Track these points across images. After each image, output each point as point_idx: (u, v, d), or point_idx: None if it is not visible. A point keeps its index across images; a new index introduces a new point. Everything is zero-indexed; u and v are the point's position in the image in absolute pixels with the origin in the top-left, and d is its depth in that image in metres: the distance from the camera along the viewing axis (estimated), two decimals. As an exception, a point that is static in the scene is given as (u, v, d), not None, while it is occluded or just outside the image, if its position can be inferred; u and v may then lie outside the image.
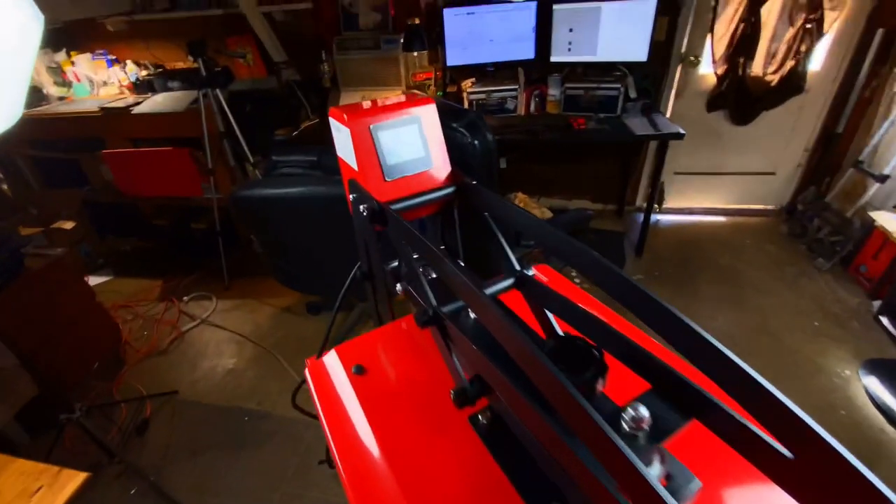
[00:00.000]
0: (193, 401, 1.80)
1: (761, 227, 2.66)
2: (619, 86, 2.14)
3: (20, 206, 2.74)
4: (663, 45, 2.27)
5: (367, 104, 0.55)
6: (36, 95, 2.65)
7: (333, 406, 0.49)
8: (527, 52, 2.22)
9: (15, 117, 0.93)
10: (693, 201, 2.79)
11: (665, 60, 2.33)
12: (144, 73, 2.63)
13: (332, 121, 0.56)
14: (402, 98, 0.57)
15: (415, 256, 0.51)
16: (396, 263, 0.68)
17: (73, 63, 2.66)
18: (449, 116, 1.28)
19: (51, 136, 2.53)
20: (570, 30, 2.15)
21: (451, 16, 2.13)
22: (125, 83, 2.65)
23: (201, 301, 2.35)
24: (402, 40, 2.17)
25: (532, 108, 2.29)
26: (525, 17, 2.15)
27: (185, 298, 2.37)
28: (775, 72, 2.31)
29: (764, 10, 2.18)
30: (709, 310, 2.07)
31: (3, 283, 1.63)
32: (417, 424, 0.48)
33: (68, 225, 2.60)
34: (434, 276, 0.56)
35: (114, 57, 2.73)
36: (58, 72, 2.70)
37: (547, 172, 2.78)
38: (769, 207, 2.76)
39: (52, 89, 2.72)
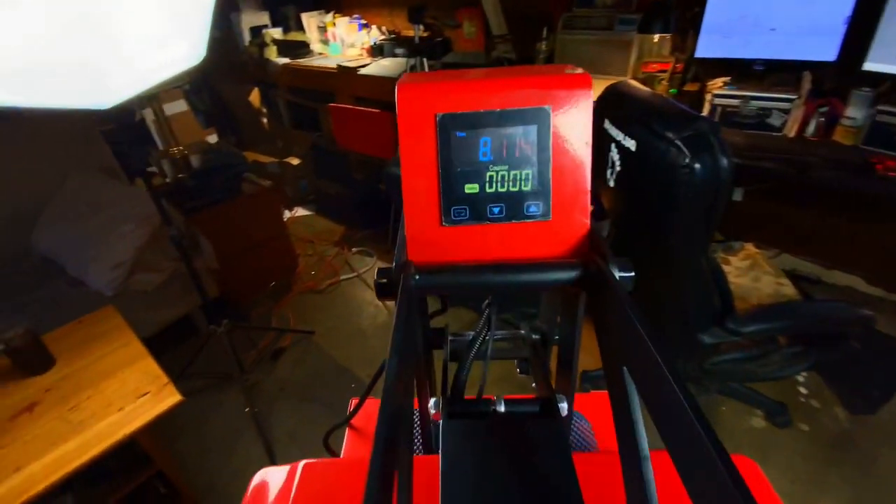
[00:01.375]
0: (322, 347, 1.90)
1: None
2: None
3: (271, 139, 3.37)
4: None
5: (459, 73, 0.29)
6: (303, 49, 3.15)
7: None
8: (825, 50, 1.53)
9: (200, 56, 0.98)
10: None
11: None
12: (382, 38, 2.84)
13: None
14: (526, 73, 0.29)
15: None
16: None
17: (334, 24, 3.05)
18: (665, 121, 0.89)
19: (302, 84, 2.97)
20: (923, 22, 1.38)
21: (720, -9, 1.60)
22: (366, 46, 2.91)
23: (364, 256, 2.49)
24: (639, 19, 1.74)
25: (810, 129, 1.60)
26: (837, 1, 1.46)
27: (353, 249, 2.54)
28: None
29: None
30: None
31: (222, 199, 1.95)
32: None
33: (295, 161, 3.07)
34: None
35: (365, 21, 3.02)
36: (323, 31, 3.13)
37: (802, 221, 1.99)
38: None
39: (316, 45, 3.19)
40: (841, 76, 1.55)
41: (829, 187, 1.65)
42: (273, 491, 0.36)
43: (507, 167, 0.28)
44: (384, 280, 0.28)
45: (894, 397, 1.48)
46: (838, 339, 1.08)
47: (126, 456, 1.16)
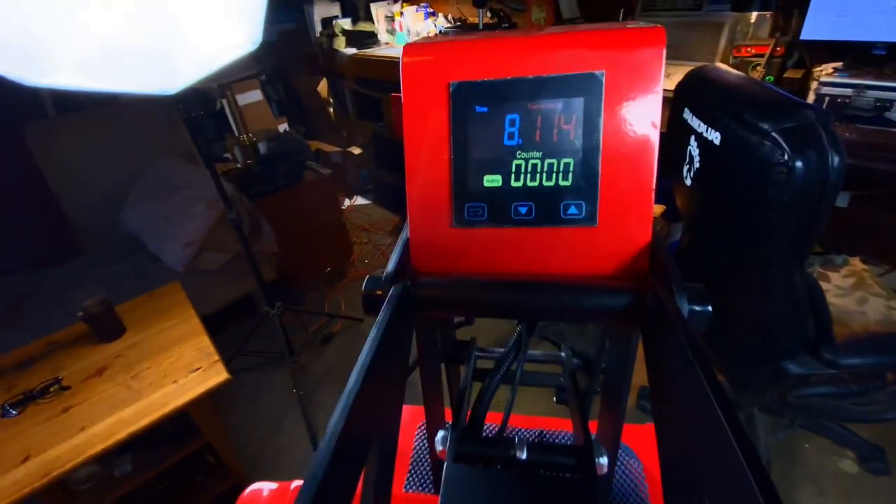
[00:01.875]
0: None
1: None
2: None
3: (336, 129, 3.46)
4: None
5: (484, 35, 0.23)
6: (371, 39, 3.18)
7: None
8: (980, 27, 1.26)
9: (256, 42, 0.99)
10: None
11: None
12: (447, 26, 2.79)
13: None
14: (573, 29, 0.21)
15: None
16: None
17: (402, 14, 3.04)
18: (760, 110, 0.76)
19: (367, 74, 3.00)
20: None
21: (838, -39, 1.37)
22: (431, 35, 2.87)
23: (418, 248, 2.48)
24: (734, -2, 1.54)
25: (946, 126, 1.33)
26: None
27: (407, 240, 2.55)
28: None
29: None
30: None
31: (285, 185, 2.02)
32: None
33: (357, 151, 3.13)
34: None
35: (432, 10, 2.98)
36: (390, 21, 3.14)
37: (924, 236, 1.68)
38: None
39: (383, 35, 3.20)
40: None
41: (968, 196, 1.38)
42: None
43: (540, 154, 0.21)
44: (377, 293, 0.22)
45: None
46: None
47: (181, 425, 1.22)
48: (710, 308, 0.19)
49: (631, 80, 0.20)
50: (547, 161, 0.21)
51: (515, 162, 0.21)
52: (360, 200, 3.10)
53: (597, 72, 0.20)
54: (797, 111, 0.70)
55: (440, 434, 0.29)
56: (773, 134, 0.71)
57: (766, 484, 0.12)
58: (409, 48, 0.22)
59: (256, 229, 1.93)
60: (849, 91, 1.42)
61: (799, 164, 0.69)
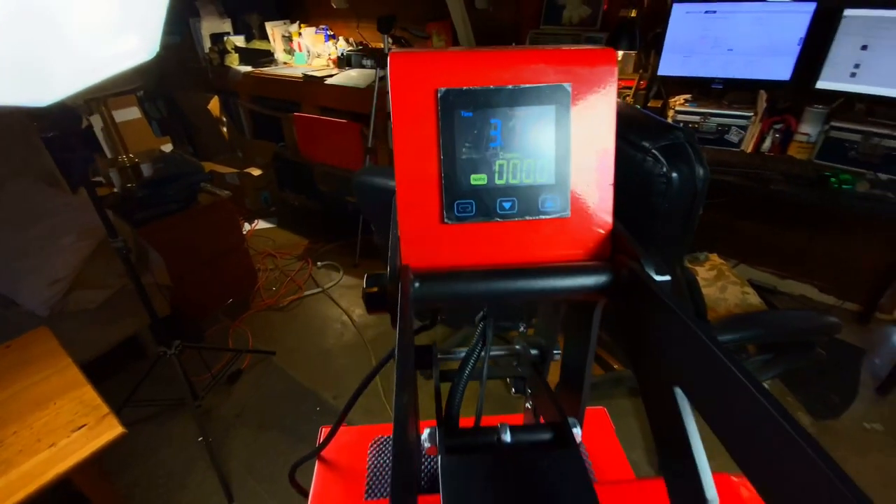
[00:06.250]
0: (283, 369, 1.79)
1: None
2: (930, 138, 1.40)
3: (231, 148, 3.23)
4: None
5: (466, 49, 0.26)
6: (267, 58, 3.06)
7: None
8: (780, 70, 1.62)
9: (152, 51, 0.91)
10: None
11: None
12: (350, 49, 2.80)
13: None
14: (542, 48, 0.25)
15: None
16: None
17: (300, 34, 2.98)
18: (641, 131, 0.90)
19: (265, 93, 2.87)
20: (864, 47, 1.48)
21: (681, 13, 1.67)
22: (332, 57, 2.86)
23: (330, 271, 2.39)
24: (605, 38, 1.79)
25: (766, 145, 1.68)
26: (792, 24, 1.55)
27: (318, 264, 2.44)
28: None
29: None
30: None
31: (175, 210, 1.83)
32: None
33: (256, 172, 2.95)
34: None
35: (332, 32, 2.97)
36: (288, 40, 3.06)
37: (758, 234, 2.08)
38: None
39: (280, 55, 3.10)
40: (795, 94, 1.64)
41: (785, 200, 1.74)
42: None
43: (519, 155, 0.24)
44: (375, 289, 0.23)
45: (854, 402, 1.54)
46: (806, 346, 1.10)
47: (64, 496, 1.02)
48: (669, 277, 0.22)
49: (591, 90, 0.24)
50: (526, 161, 0.24)
51: (499, 162, 0.24)
52: (262, 224, 2.91)
53: (564, 84, 0.23)
54: (670, 132, 0.84)
55: (426, 432, 0.30)
56: (654, 151, 0.84)
57: (796, 426, 0.14)
58: (396, 57, 0.23)
59: (143, 260, 1.71)
60: (697, 118, 1.73)
61: (675, 175, 0.83)
